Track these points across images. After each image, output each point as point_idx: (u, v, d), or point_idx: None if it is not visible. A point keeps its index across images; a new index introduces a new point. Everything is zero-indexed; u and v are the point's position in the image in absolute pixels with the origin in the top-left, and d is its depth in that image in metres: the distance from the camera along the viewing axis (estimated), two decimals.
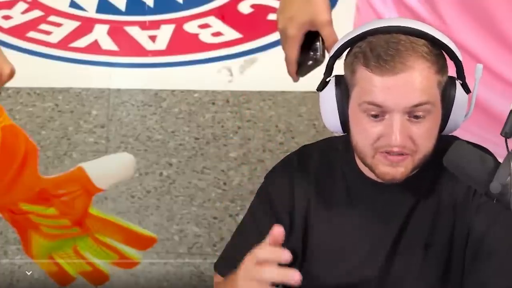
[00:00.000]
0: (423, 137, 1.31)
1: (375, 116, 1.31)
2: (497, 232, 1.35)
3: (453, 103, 1.33)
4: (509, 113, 1.17)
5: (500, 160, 1.16)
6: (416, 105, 1.29)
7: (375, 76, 1.29)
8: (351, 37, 1.34)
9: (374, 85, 1.29)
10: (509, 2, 1.46)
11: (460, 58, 1.34)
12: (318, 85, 1.38)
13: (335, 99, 1.35)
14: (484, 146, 1.33)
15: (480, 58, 1.52)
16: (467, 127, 1.50)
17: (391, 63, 1.28)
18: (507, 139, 1.16)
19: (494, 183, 1.14)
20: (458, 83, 1.34)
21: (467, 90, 1.35)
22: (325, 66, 1.39)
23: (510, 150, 1.14)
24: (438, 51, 1.32)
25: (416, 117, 1.30)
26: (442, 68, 1.32)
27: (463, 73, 1.34)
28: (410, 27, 1.31)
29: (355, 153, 1.38)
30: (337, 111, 1.35)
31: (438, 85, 1.31)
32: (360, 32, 1.33)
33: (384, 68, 1.28)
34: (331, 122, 1.37)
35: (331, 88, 1.36)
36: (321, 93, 1.38)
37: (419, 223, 1.39)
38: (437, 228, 1.39)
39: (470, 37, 1.51)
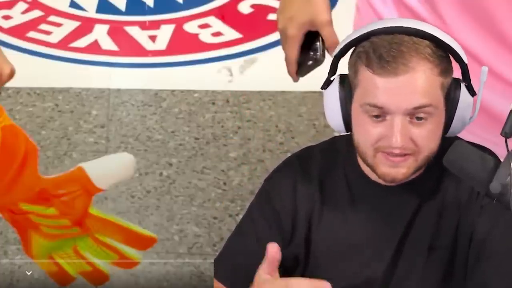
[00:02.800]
0: (425, 139, 1.31)
1: (377, 116, 1.30)
2: (500, 234, 1.35)
3: (457, 106, 1.33)
4: (509, 113, 1.17)
5: (501, 160, 1.16)
6: (418, 107, 1.29)
7: (376, 77, 1.29)
8: (355, 36, 1.33)
9: (375, 86, 1.29)
10: (509, 2, 1.46)
11: (465, 60, 1.33)
12: (323, 84, 1.38)
13: (338, 98, 1.35)
14: (484, 146, 1.33)
15: (480, 58, 1.52)
16: (467, 127, 1.50)
17: (393, 64, 1.27)
18: (507, 139, 1.16)
19: (494, 183, 1.14)
20: (463, 85, 1.34)
21: (472, 92, 1.34)
22: (330, 64, 1.39)
23: (510, 150, 1.14)
24: (442, 53, 1.31)
25: (418, 118, 1.29)
26: (445, 70, 1.31)
27: (469, 75, 1.34)
28: (414, 28, 1.30)
29: (357, 154, 1.38)
30: (340, 111, 1.35)
31: (441, 87, 1.30)
32: (364, 32, 1.32)
33: (386, 69, 1.28)
34: (334, 121, 1.37)
35: (335, 87, 1.35)
36: (325, 92, 1.37)
37: (424, 224, 1.38)
38: (441, 229, 1.38)
39: (470, 37, 1.51)
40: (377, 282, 1.40)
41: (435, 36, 1.30)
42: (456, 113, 1.33)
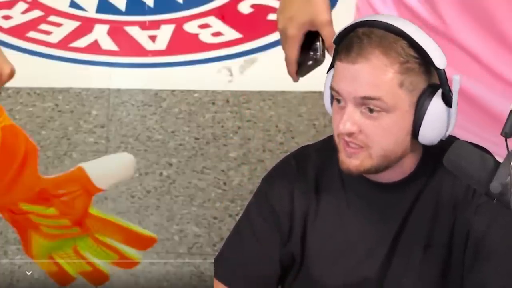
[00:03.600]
0: (378, 133, 1.32)
1: (338, 101, 1.34)
2: (497, 232, 1.35)
3: (425, 112, 1.31)
4: (509, 113, 1.17)
5: (500, 160, 1.16)
6: (365, 98, 1.30)
7: (339, 63, 1.33)
8: (346, 26, 1.36)
9: (337, 72, 1.34)
10: (509, 2, 1.46)
11: (441, 65, 1.32)
12: (329, 67, 1.41)
13: (329, 82, 1.38)
14: (484, 146, 1.33)
15: (480, 58, 1.52)
16: (467, 127, 1.50)
17: (352, 53, 1.31)
18: (507, 139, 1.16)
19: (494, 182, 1.14)
20: (438, 92, 1.32)
21: (448, 101, 1.32)
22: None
23: (510, 150, 1.14)
24: (416, 54, 1.31)
25: (370, 110, 1.31)
26: (412, 70, 1.30)
27: (446, 81, 1.32)
28: (389, 24, 1.31)
29: None
30: (329, 97, 1.39)
31: (400, 85, 1.30)
32: (353, 22, 1.35)
33: (347, 57, 1.31)
34: (326, 104, 1.41)
35: (330, 73, 1.39)
36: (326, 76, 1.40)
37: (418, 223, 1.39)
38: (436, 227, 1.38)
39: (470, 37, 1.51)
40: (372, 281, 1.41)
41: (410, 36, 1.31)
42: (424, 120, 1.32)
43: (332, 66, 1.40)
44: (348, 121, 1.31)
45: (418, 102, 1.32)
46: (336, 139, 1.36)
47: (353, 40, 1.32)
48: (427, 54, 1.31)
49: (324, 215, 1.43)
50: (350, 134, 1.32)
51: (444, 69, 1.32)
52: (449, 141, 1.26)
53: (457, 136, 1.38)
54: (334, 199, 1.43)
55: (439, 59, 1.31)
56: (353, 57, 1.31)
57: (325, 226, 1.43)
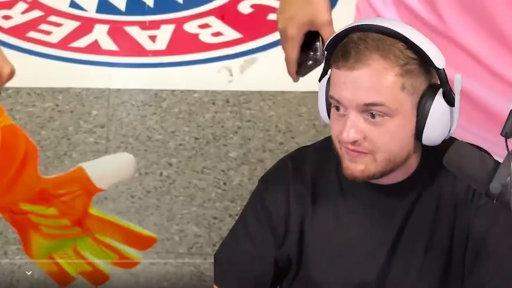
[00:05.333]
0: (383, 138, 1.30)
1: (338, 109, 1.32)
2: (497, 233, 1.35)
3: (428, 113, 1.30)
4: (509, 113, 1.16)
5: (500, 160, 1.16)
6: (368, 104, 1.28)
7: (337, 70, 1.31)
8: (338, 32, 1.34)
9: (335, 80, 1.31)
10: (509, 2, 1.46)
11: (440, 65, 1.30)
12: (320, 76, 1.39)
13: (324, 90, 1.36)
14: (484, 146, 1.33)
15: (480, 58, 1.52)
16: (467, 127, 1.50)
17: (351, 60, 1.28)
18: (507, 139, 1.16)
19: (494, 183, 1.13)
20: (439, 92, 1.30)
21: (450, 101, 1.31)
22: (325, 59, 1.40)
23: (510, 150, 1.14)
24: (414, 55, 1.29)
25: (373, 116, 1.29)
26: (411, 72, 1.29)
27: (446, 81, 1.31)
28: (385, 27, 1.29)
29: None
30: (325, 104, 1.37)
31: (401, 88, 1.28)
32: (347, 27, 1.33)
33: (344, 64, 1.29)
34: (322, 113, 1.39)
35: (324, 81, 1.37)
36: (319, 84, 1.39)
37: (418, 225, 1.38)
38: (437, 229, 1.38)
39: (470, 37, 1.51)
40: (372, 283, 1.40)
41: (407, 38, 1.29)
42: (428, 121, 1.30)
43: (324, 73, 1.38)
44: (352, 129, 1.29)
45: (420, 103, 1.30)
46: (337, 145, 1.34)
47: (349, 46, 1.29)
48: (426, 55, 1.29)
49: (321, 217, 1.42)
50: (354, 142, 1.30)
51: (443, 69, 1.31)
52: (449, 142, 1.26)
53: (457, 136, 1.38)
54: (332, 201, 1.41)
55: (438, 59, 1.30)
56: (351, 63, 1.28)
57: (323, 228, 1.42)
